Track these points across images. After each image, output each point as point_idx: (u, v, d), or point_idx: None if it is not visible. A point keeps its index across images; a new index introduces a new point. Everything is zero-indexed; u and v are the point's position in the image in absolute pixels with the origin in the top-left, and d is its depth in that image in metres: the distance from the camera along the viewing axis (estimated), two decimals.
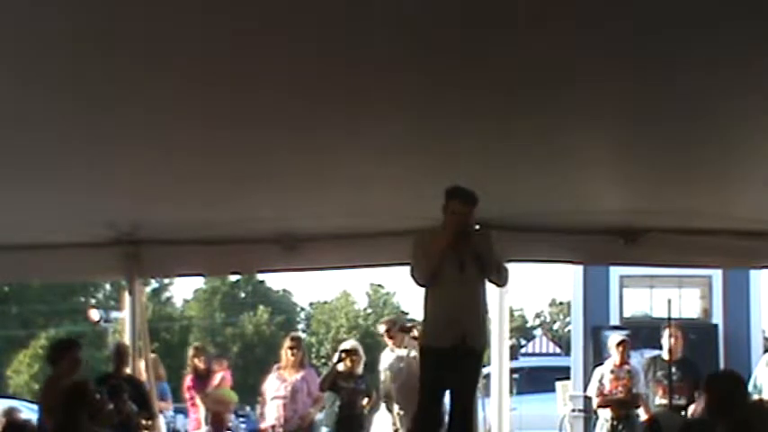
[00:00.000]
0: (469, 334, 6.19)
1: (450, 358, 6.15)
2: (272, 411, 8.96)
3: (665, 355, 8.67)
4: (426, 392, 6.36)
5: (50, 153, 5.75)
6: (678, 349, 8.69)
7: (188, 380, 10.36)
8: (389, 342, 8.86)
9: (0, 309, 37.66)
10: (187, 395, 10.41)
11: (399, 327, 8.87)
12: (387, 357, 8.84)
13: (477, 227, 6.65)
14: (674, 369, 8.54)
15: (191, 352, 10.55)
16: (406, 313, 51.14)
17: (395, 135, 5.48)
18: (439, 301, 6.28)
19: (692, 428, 6.18)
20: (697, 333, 11.31)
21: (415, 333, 8.54)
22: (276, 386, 8.99)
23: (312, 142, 5.59)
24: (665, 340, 8.69)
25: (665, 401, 8.44)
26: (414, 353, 8.45)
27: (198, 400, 10.16)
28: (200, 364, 10.25)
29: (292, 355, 9.01)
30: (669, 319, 8.71)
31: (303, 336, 10.09)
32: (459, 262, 6.15)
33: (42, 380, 7.43)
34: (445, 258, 6.18)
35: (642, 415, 8.75)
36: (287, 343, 9.22)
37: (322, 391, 8.94)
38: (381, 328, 8.96)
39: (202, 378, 10.18)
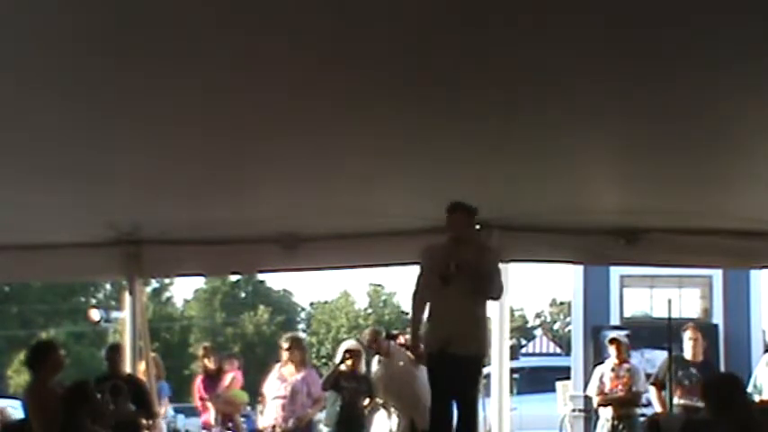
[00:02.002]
0: (453, 341, 6.53)
1: (440, 362, 6.61)
2: (272, 411, 8.96)
3: (687, 356, 8.66)
4: (432, 394, 6.82)
5: (51, 153, 5.75)
6: (699, 351, 8.69)
7: (198, 381, 10.29)
8: (375, 353, 8.84)
9: (0, 309, 37.66)
10: (198, 396, 10.35)
11: (386, 334, 8.88)
12: (375, 366, 8.84)
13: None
14: (694, 371, 8.54)
15: (200, 352, 10.45)
16: (406, 313, 51.24)
17: (395, 135, 5.48)
18: (431, 312, 6.76)
19: (692, 428, 6.18)
20: None
21: (402, 340, 8.55)
22: (276, 386, 8.98)
23: (312, 142, 5.59)
24: (686, 342, 8.68)
25: (683, 402, 8.42)
26: (401, 362, 8.47)
27: (209, 403, 10.08)
28: (211, 365, 10.18)
29: (291, 355, 9.00)
30: (685, 319, 8.72)
31: (303, 336, 10.01)
32: (444, 276, 6.52)
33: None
34: (436, 271, 6.59)
35: (657, 406, 8.72)
36: (285, 344, 9.22)
37: (324, 390, 8.95)
38: (365, 341, 8.91)
39: (213, 379, 10.11)
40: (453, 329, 6.53)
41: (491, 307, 7.26)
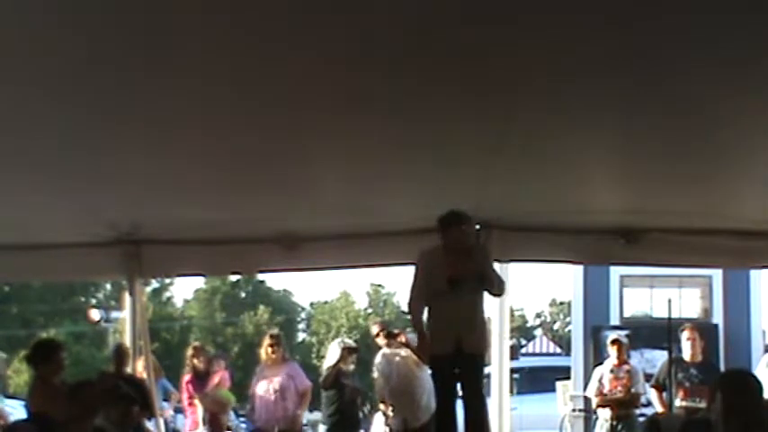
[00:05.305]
0: (466, 342, 6.72)
1: (452, 363, 6.77)
2: (263, 412, 9.04)
3: (686, 357, 8.65)
4: (439, 396, 6.95)
5: (51, 153, 5.75)
6: (698, 351, 8.69)
7: (186, 379, 10.37)
8: (383, 343, 8.89)
9: (0, 309, 37.65)
10: (185, 395, 10.43)
11: (387, 333, 8.92)
12: (378, 359, 8.87)
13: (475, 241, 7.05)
14: (695, 371, 8.54)
15: (189, 352, 10.56)
16: (406, 313, 51.29)
17: (395, 135, 5.48)
18: (437, 315, 6.86)
19: (691, 428, 6.16)
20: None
21: (403, 339, 8.59)
22: (264, 387, 9.05)
23: (312, 142, 5.59)
24: (684, 343, 8.68)
25: (686, 404, 8.41)
26: (404, 353, 8.50)
27: (196, 401, 10.17)
28: (199, 365, 10.25)
29: (273, 352, 9.09)
30: (685, 319, 8.70)
31: (280, 332, 10.20)
32: (451, 280, 6.68)
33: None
34: (440, 277, 6.74)
35: (658, 407, 8.72)
36: (266, 341, 9.31)
37: (325, 389, 9.00)
38: (374, 329, 8.97)
39: (201, 378, 10.18)
40: (464, 330, 6.72)
41: (491, 307, 7.30)
